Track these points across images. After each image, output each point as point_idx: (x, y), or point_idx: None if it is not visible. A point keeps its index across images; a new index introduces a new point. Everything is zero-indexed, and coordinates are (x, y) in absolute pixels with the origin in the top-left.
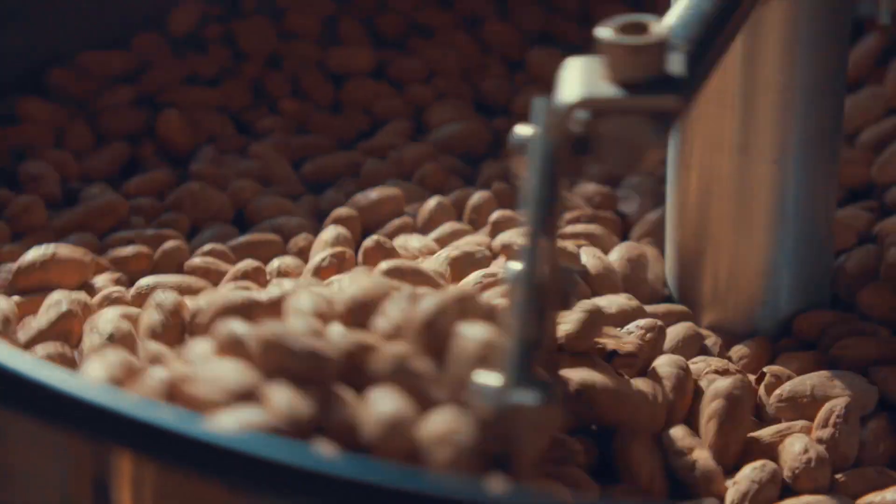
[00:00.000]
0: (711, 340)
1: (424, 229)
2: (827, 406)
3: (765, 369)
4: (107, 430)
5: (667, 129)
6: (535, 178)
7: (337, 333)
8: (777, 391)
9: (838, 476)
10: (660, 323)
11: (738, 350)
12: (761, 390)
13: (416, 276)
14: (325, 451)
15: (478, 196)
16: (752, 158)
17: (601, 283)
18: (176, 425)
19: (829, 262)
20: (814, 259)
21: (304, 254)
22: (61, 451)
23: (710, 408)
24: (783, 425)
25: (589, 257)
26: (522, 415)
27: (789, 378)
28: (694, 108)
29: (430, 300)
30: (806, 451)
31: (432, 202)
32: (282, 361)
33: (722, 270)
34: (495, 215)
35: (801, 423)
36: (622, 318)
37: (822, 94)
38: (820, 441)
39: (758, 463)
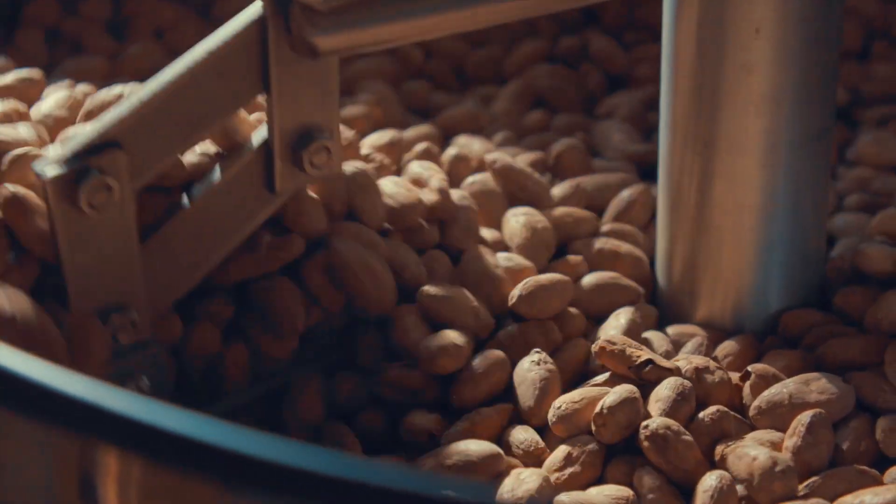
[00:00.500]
0: (698, 339)
1: None
2: (798, 418)
3: (749, 368)
4: (93, 426)
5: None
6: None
7: None
8: (756, 402)
9: (816, 477)
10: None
11: (723, 348)
12: (746, 390)
13: None
14: (311, 450)
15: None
16: (743, 158)
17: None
18: (162, 422)
19: (821, 260)
20: (804, 257)
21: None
22: (47, 448)
23: None
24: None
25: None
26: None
27: (774, 377)
28: None
29: None
30: (758, 459)
31: (501, 134)
32: None
33: (712, 267)
34: (561, 144)
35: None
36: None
37: (813, 94)
38: (786, 450)
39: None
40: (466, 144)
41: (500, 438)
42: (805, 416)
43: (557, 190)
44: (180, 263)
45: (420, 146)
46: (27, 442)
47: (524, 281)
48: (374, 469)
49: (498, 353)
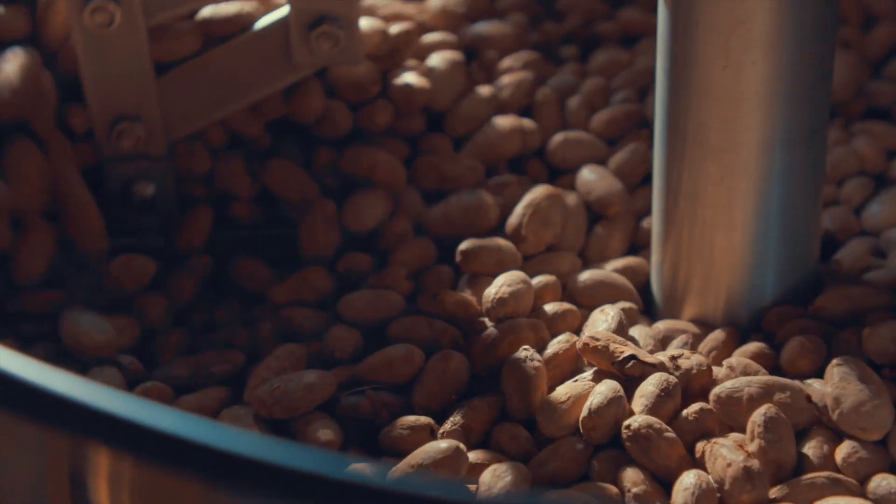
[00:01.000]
0: (684, 336)
1: None
2: (751, 420)
3: (724, 361)
4: (84, 425)
5: None
6: None
7: None
8: (716, 389)
9: (783, 486)
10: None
11: (707, 342)
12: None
13: None
14: (299, 450)
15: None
16: (737, 157)
17: None
18: (153, 421)
19: (814, 258)
20: (797, 256)
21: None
22: (38, 447)
23: None
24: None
25: None
26: None
27: (744, 370)
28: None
29: None
30: (731, 465)
31: (622, 93)
32: None
33: (704, 265)
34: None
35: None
36: None
37: (807, 93)
38: (751, 453)
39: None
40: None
41: (489, 433)
42: (758, 416)
43: (619, 155)
44: (198, 100)
45: (544, 92)
46: (18, 441)
47: (486, 291)
48: (359, 467)
49: (451, 353)
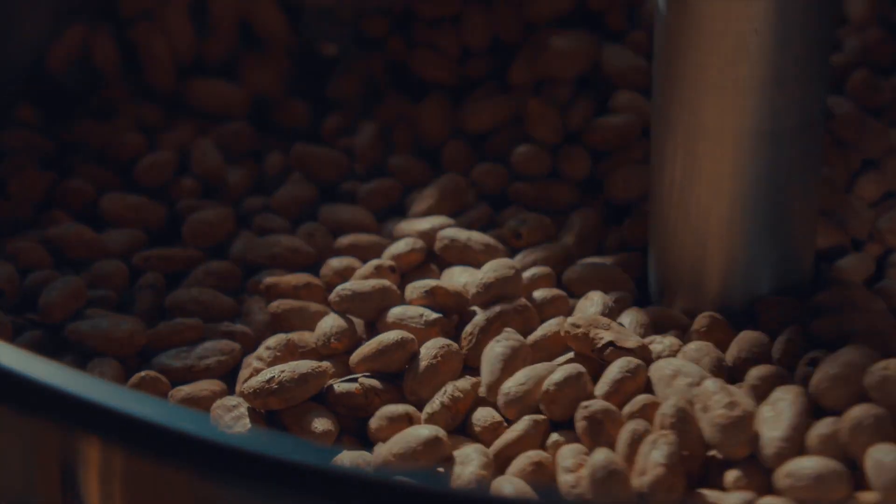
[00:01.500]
0: (673, 329)
1: None
2: (658, 415)
3: (684, 347)
4: (75, 417)
5: None
6: None
7: None
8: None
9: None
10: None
11: (692, 328)
12: None
13: None
14: (289, 441)
15: None
16: (733, 148)
17: None
18: (144, 413)
19: (810, 253)
20: (791, 251)
21: None
22: (29, 438)
23: None
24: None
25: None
26: None
27: (694, 355)
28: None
29: None
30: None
31: None
32: None
33: (697, 256)
34: None
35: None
36: None
37: (805, 84)
38: (665, 444)
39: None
40: None
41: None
42: (669, 408)
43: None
44: None
45: None
46: (8, 432)
47: (474, 279)
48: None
49: (443, 341)
